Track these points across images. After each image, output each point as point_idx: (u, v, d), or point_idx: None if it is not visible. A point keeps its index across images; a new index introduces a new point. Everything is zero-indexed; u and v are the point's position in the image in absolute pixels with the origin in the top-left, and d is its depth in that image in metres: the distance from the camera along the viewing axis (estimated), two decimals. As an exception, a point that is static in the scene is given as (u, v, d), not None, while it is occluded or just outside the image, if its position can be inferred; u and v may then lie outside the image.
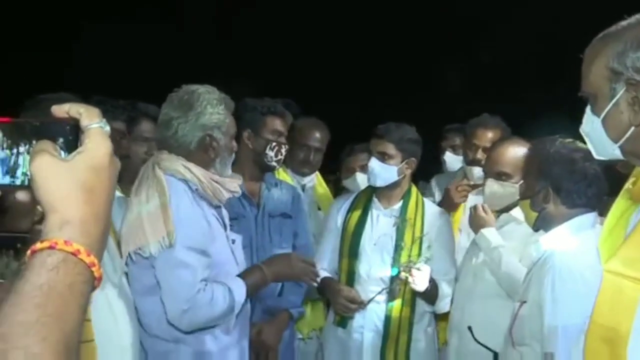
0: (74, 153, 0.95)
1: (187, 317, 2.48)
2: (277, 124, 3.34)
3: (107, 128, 0.98)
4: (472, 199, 3.87)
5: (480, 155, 3.81)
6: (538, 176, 2.50)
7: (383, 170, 3.35)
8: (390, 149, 3.34)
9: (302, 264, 2.82)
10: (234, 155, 2.78)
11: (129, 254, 2.46)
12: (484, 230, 3.10)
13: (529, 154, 2.68)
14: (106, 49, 6.77)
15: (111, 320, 1.92)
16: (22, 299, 0.85)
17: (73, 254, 0.89)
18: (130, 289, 2.48)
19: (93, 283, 0.91)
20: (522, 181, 2.97)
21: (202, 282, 2.50)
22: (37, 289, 0.85)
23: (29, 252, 0.90)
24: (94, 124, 0.97)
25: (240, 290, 2.59)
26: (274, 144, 3.30)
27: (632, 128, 1.43)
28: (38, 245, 0.89)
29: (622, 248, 1.39)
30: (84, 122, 0.97)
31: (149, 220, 2.45)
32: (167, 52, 6.89)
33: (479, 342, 2.17)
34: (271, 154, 3.30)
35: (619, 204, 1.58)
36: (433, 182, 4.28)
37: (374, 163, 3.34)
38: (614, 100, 1.45)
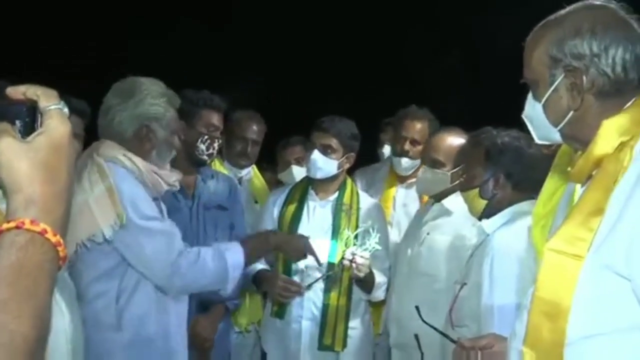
0: (34, 134, 0.96)
1: (176, 281, 2.52)
2: (213, 117, 3.32)
3: (66, 109, 1.00)
4: (402, 192, 3.93)
5: (407, 146, 3.80)
6: (485, 165, 2.54)
7: (325, 164, 3.37)
8: (334, 143, 3.37)
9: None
10: (174, 151, 2.74)
11: (81, 242, 2.42)
12: None
13: (471, 145, 2.70)
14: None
15: (55, 308, 1.89)
16: None
17: (40, 233, 0.90)
18: (82, 276, 2.45)
19: (58, 262, 0.92)
20: (454, 170, 3.06)
21: (184, 245, 2.55)
22: (8, 268, 0.86)
23: None
24: (53, 105, 0.98)
25: (235, 253, 2.63)
26: (205, 137, 3.28)
27: (571, 112, 1.50)
28: (5, 225, 0.89)
29: (562, 227, 1.45)
30: (42, 104, 0.98)
31: (97, 206, 2.42)
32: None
33: (425, 322, 2.23)
34: (202, 147, 3.28)
35: (547, 187, 1.66)
36: (357, 176, 4.23)
37: (317, 155, 3.36)
38: (553, 86, 1.51)
